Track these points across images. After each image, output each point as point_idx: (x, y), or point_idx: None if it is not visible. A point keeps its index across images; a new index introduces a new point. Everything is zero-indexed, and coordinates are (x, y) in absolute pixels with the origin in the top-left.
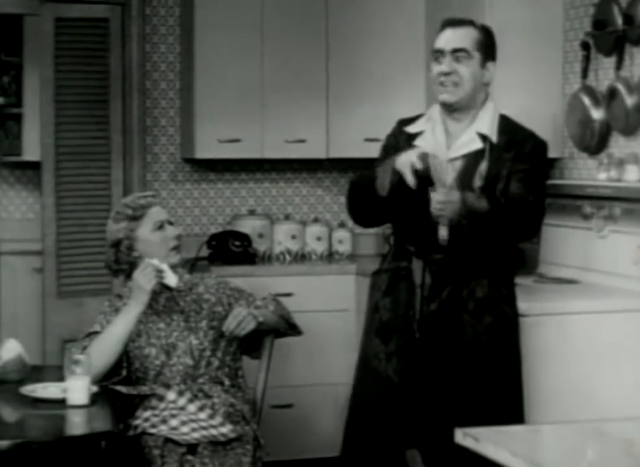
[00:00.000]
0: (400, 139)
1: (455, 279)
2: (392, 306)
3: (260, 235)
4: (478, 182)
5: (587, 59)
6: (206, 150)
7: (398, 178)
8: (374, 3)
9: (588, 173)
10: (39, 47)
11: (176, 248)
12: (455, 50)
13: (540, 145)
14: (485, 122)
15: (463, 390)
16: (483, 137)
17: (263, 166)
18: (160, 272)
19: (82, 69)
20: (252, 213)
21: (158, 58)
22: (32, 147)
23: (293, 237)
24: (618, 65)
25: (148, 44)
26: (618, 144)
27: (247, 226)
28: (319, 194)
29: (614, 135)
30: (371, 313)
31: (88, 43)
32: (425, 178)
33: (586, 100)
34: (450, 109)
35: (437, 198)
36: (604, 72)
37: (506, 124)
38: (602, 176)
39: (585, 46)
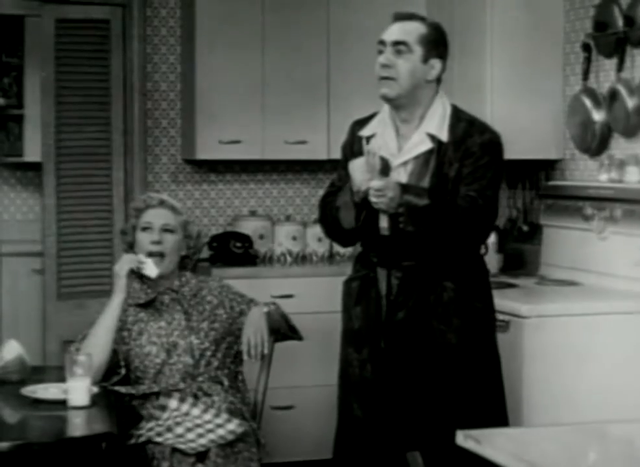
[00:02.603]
0: (354, 144)
1: (421, 285)
2: (362, 315)
3: (261, 236)
4: (427, 183)
5: (587, 61)
6: (206, 151)
7: (364, 210)
8: (375, 4)
9: (589, 174)
10: (40, 48)
11: (154, 255)
12: (395, 43)
13: (488, 141)
14: (434, 121)
15: (439, 395)
16: (432, 137)
17: (264, 167)
18: (140, 262)
19: (83, 70)
20: (253, 214)
21: (158, 59)
22: (33, 148)
23: (294, 238)
24: (619, 67)
25: (149, 45)
26: (619, 146)
27: (248, 227)
28: (320, 196)
29: (615, 137)
30: (345, 322)
31: (89, 44)
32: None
33: (587, 102)
34: (391, 104)
35: (374, 185)
36: (605, 74)
37: (456, 120)
38: (603, 177)
39: (585, 47)
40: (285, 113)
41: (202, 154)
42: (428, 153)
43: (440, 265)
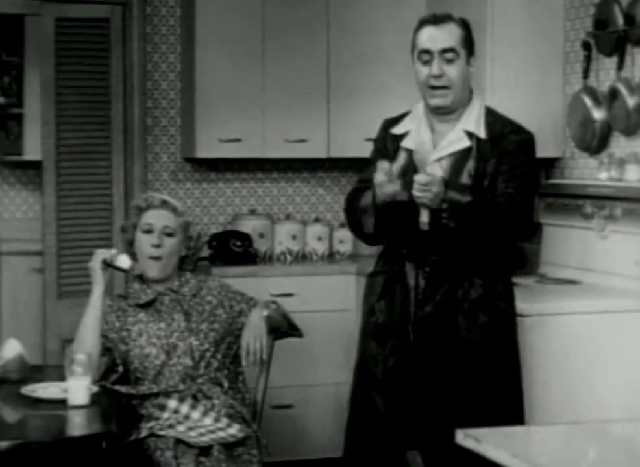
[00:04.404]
0: (387, 142)
1: (449, 280)
2: (387, 309)
3: (261, 235)
4: (466, 180)
5: (588, 60)
6: (206, 149)
7: (382, 215)
8: (375, 3)
9: (589, 173)
10: (40, 47)
11: (153, 258)
12: (444, 51)
13: (524, 140)
14: (472, 119)
15: (461, 391)
16: (470, 135)
17: (264, 165)
18: (113, 255)
19: (83, 69)
20: (253, 212)
21: (159, 57)
22: (33, 147)
23: (294, 237)
24: (619, 66)
25: (149, 44)
26: (619, 144)
27: (248, 226)
28: (320, 194)
29: (615, 135)
30: (367, 316)
31: (89, 43)
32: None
33: (587, 101)
34: (440, 111)
35: (419, 179)
36: (605, 73)
37: (492, 119)
38: (603, 175)
39: (586, 46)
40: (285, 112)
41: (202, 153)
42: (466, 150)
43: (469, 261)
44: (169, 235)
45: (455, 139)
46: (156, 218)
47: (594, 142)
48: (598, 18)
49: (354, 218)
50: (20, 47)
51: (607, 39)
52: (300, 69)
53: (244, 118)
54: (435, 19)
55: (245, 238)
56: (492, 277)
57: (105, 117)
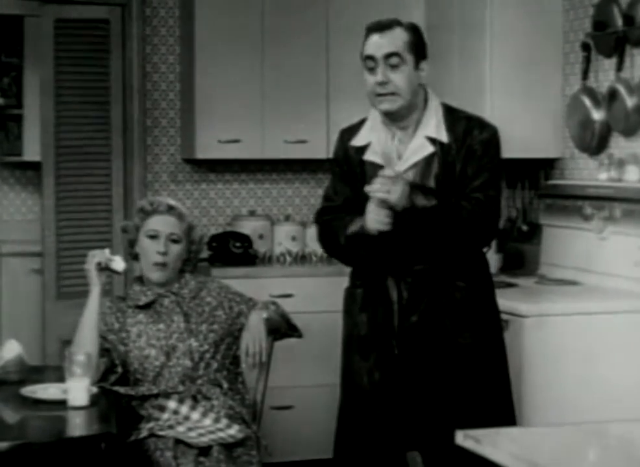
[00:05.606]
0: (348, 154)
1: (433, 287)
2: (369, 322)
3: (260, 236)
4: (433, 185)
5: (587, 61)
6: (206, 150)
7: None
8: (375, 4)
9: (588, 173)
10: (39, 48)
11: (158, 265)
12: (387, 56)
13: (488, 139)
14: (432, 124)
15: (454, 394)
16: (433, 140)
17: (263, 166)
18: (109, 259)
19: (82, 70)
20: (252, 213)
21: (158, 59)
22: (32, 148)
23: (294, 238)
24: (619, 66)
25: (148, 45)
26: (619, 145)
27: (247, 227)
28: (319, 195)
29: (614, 136)
30: (349, 329)
31: (88, 44)
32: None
33: (586, 101)
34: (392, 117)
35: (387, 173)
36: (604, 74)
37: (453, 118)
38: (603, 176)
39: (585, 47)
40: (285, 112)
41: (202, 154)
42: (430, 156)
43: (451, 266)
44: (175, 241)
45: (417, 146)
46: (163, 224)
47: (594, 143)
48: (597, 19)
49: (334, 243)
50: (19, 48)
51: (607, 40)
52: (300, 69)
53: (243, 119)
54: (380, 26)
55: (245, 239)
56: (475, 278)
57: (104, 118)
